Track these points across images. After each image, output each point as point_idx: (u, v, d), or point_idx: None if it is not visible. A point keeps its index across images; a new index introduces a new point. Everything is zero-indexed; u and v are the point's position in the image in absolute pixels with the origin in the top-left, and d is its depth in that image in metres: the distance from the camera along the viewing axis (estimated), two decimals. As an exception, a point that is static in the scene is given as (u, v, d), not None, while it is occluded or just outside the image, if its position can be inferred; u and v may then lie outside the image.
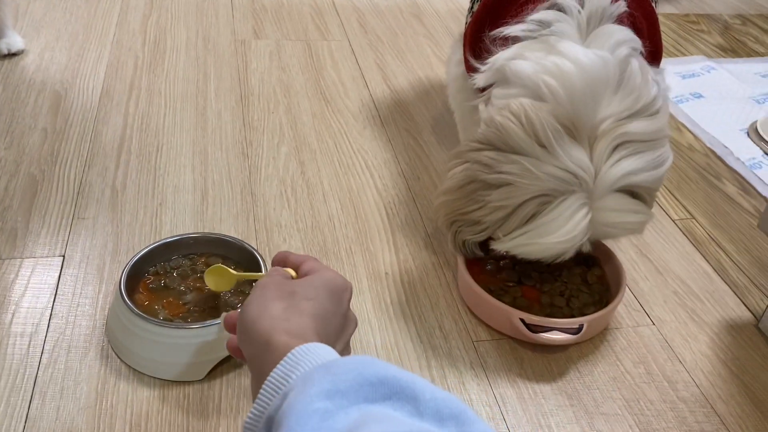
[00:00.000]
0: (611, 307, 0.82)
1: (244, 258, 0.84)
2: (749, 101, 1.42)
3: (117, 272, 0.87)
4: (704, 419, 0.76)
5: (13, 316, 0.80)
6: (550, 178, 0.71)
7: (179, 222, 0.96)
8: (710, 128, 1.31)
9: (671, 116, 1.35)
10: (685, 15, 1.84)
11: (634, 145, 0.73)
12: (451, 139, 1.19)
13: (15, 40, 1.33)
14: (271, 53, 1.42)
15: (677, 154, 1.23)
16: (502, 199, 0.73)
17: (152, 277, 0.82)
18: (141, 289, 0.80)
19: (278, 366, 0.49)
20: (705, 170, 1.20)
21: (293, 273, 0.67)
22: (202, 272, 0.83)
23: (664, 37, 0.90)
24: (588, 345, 0.84)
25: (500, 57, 0.80)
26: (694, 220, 1.07)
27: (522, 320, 0.79)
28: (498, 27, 0.81)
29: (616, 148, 0.73)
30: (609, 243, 0.90)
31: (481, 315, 0.85)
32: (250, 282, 0.79)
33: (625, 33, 0.77)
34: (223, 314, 0.66)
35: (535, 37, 0.78)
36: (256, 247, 0.87)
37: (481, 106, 0.84)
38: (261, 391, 0.48)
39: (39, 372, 0.74)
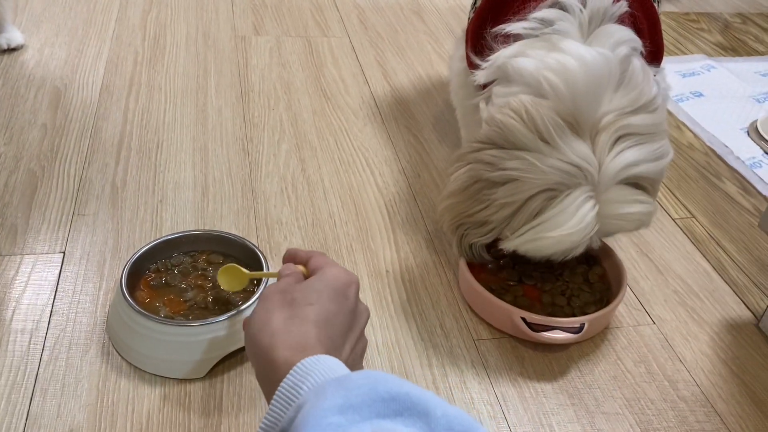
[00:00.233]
0: (612, 307, 0.82)
1: (245, 255, 0.83)
2: (749, 100, 1.43)
3: (117, 269, 0.87)
4: (705, 419, 0.77)
5: (13, 312, 0.80)
6: (555, 171, 0.71)
7: (180, 219, 0.96)
8: (710, 127, 1.32)
9: (671, 115, 1.35)
10: (685, 13, 1.84)
11: (636, 137, 0.73)
12: (452, 137, 1.19)
13: (14, 35, 1.32)
14: (272, 49, 1.42)
15: (677, 153, 1.23)
16: (508, 195, 0.73)
17: (153, 275, 0.81)
18: (142, 287, 0.80)
19: (281, 386, 0.49)
20: (705, 169, 1.20)
21: (304, 269, 0.67)
22: (204, 269, 0.83)
23: (664, 35, 0.90)
24: (589, 344, 0.84)
25: (502, 54, 0.80)
26: (694, 219, 1.07)
27: (523, 319, 0.79)
28: (500, 24, 0.81)
29: (617, 140, 0.73)
30: (610, 242, 0.90)
31: (482, 314, 0.85)
32: (251, 280, 0.79)
33: (626, 33, 0.77)
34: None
35: (537, 35, 0.78)
36: (256, 244, 0.86)
37: (482, 105, 0.83)
38: (271, 404, 0.49)
39: (40, 369, 0.74)
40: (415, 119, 1.24)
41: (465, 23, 1.00)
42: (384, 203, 1.03)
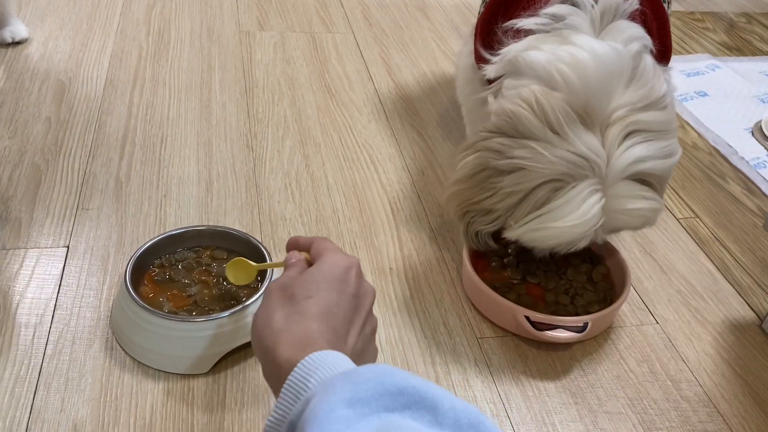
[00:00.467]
0: (616, 306, 0.82)
1: (249, 251, 0.83)
2: (754, 100, 1.42)
3: (121, 264, 0.87)
4: (707, 419, 0.77)
5: (17, 306, 0.80)
6: (563, 162, 0.71)
7: (184, 214, 0.96)
8: (715, 127, 1.31)
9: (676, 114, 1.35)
10: (690, 12, 1.84)
11: (646, 134, 0.73)
12: (456, 135, 1.19)
13: (19, 29, 1.32)
14: (276, 45, 1.42)
15: (682, 153, 1.23)
16: (514, 184, 0.73)
17: (157, 270, 0.81)
18: (146, 282, 0.80)
19: (289, 379, 0.50)
20: (709, 169, 1.20)
21: (307, 255, 0.67)
22: (208, 265, 0.83)
23: (669, 34, 0.90)
24: (592, 343, 0.84)
25: (513, 48, 0.79)
26: (698, 219, 1.07)
27: (527, 317, 0.79)
28: (511, 19, 0.81)
29: (628, 135, 0.73)
30: (614, 241, 0.90)
31: (486, 312, 0.85)
32: (256, 276, 0.79)
33: (637, 30, 0.77)
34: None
35: (548, 31, 0.78)
36: (260, 240, 0.86)
37: (491, 98, 0.83)
38: (279, 398, 0.50)
39: (44, 363, 0.74)
40: (420, 116, 1.24)
41: (470, 21, 1.00)
42: (388, 200, 1.03)
